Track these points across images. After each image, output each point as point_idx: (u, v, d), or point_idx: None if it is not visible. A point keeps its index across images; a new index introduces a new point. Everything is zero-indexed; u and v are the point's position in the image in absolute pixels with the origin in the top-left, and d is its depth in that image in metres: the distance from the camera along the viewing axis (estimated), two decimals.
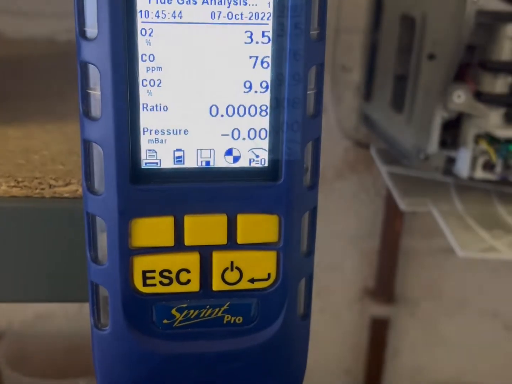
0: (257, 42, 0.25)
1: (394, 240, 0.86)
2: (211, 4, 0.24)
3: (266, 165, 0.26)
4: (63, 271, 0.32)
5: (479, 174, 0.61)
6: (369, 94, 0.76)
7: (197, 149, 0.26)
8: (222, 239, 0.27)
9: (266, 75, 0.25)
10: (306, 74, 0.25)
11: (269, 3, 0.25)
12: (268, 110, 0.26)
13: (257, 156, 0.26)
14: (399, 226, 0.85)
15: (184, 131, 0.26)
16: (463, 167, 0.61)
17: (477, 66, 0.57)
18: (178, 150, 0.26)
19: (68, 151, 0.35)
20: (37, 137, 0.37)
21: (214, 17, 0.24)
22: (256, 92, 0.26)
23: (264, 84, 0.26)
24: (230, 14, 0.25)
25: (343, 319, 0.92)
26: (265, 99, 0.26)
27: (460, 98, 0.57)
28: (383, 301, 0.90)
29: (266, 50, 0.25)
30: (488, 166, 0.60)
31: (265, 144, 0.26)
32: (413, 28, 0.62)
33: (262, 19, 0.25)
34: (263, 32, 0.25)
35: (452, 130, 0.61)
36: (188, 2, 0.24)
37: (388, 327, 0.92)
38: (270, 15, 0.25)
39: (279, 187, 0.26)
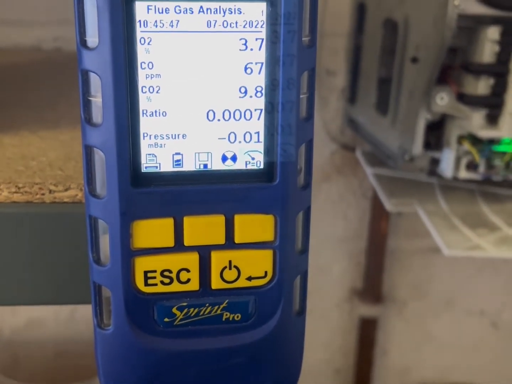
0: (251, 49, 0.26)
1: (381, 241, 0.87)
2: (207, 13, 0.25)
3: (262, 167, 0.27)
4: (64, 274, 0.33)
5: (463, 174, 0.62)
6: (354, 97, 0.77)
7: (195, 153, 0.27)
8: (220, 239, 0.28)
9: (260, 80, 0.26)
10: (299, 79, 0.26)
11: (262, 11, 0.26)
12: (262, 114, 0.27)
13: (253, 159, 0.27)
14: (385, 227, 0.86)
15: (183, 136, 0.27)
16: (447, 167, 0.62)
17: (459, 69, 0.58)
18: (177, 154, 0.27)
19: (65, 157, 0.36)
20: (33, 144, 0.38)
21: (210, 26, 0.25)
22: (251, 97, 0.27)
23: (258, 89, 0.27)
24: (225, 23, 0.26)
25: (332, 320, 0.93)
26: (259, 103, 0.27)
27: (443, 100, 0.58)
28: (371, 301, 0.91)
29: (260, 56, 0.26)
30: (472, 166, 0.61)
31: (260, 146, 0.27)
32: (396, 32, 0.63)
33: (256, 27, 0.26)
34: (257, 40, 0.26)
35: (436, 132, 0.62)
36: (185, 12, 0.25)
37: (377, 327, 0.93)
38: (263, 23, 0.26)
39: (275, 188, 0.27)
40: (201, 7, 0.25)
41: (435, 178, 0.68)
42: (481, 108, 0.57)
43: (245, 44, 0.26)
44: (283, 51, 0.26)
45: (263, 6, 0.26)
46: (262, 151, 0.27)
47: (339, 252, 0.89)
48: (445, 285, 0.93)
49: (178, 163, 0.27)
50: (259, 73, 0.26)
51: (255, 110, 0.27)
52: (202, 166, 0.27)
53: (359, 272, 0.91)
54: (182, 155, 0.27)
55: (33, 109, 0.47)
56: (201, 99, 0.26)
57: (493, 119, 0.57)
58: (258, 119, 0.27)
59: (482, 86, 0.56)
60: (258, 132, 0.27)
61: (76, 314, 0.86)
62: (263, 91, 0.27)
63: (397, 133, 0.63)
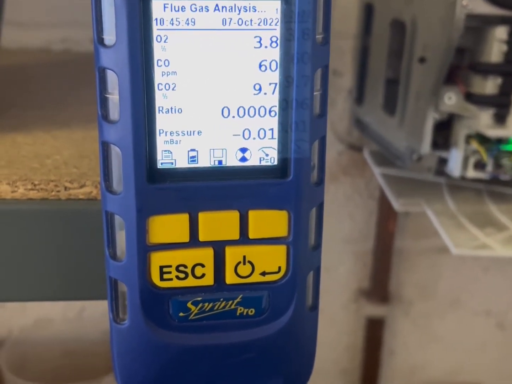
0: (266, 47, 0.26)
1: (388, 241, 0.87)
2: (222, 11, 0.26)
3: (276, 163, 0.28)
4: (79, 269, 0.33)
5: (471, 173, 0.62)
6: (361, 98, 0.77)
7: (210, 149, 0.27)
8: (235, 235, 0.28)
9: (274, 77, 0.27)
10: (313, 76, 0.27)
11: (277, 9, 0.26)
12: (277, 111, 0.27)
13: (267, 155, 0.28)
14: (392, 227, 0.86)
15: (198, 132, 0.27)
16: (455, 167, 0.62)
17: (467, 68, 0.59)
18: (192, 150, 0.27)
19: (79, 155, 0.36)
20: (47, 143, 0.39)
21: (225, 24, 0.26)
22: (265, 94, 0.27)
23: (273, 86, 0.27)
24: (240, 21, 0.26)
25: (339, 320, 0.93)
26: (274, 100, 0.27)
27: (451, 99, 0.59)
28: (378, 301, 0.91)
29: (274, 54, 0.27)
30: (479, 165, 0.62)
31: (274, 143, 0.28)
32: (404, 32, 0.63)
33: (270, 24, 0.26)
34: (271, 37, 0.26)
35: (444, 131, 0.62)
36: (200, 10, 0.25)
37: (383, 327, 0.93)
38: (278, 21, 0.26)
39: (288, 184, 0.28)
40: (217, 5, 0.26)
41: (443, 178, 0.68)
42: (489, 107, 0.57)
43: (259, 41, 0.26)
44: (297, 48, 0.26)
45: (277, 4, 0.26)
46: (276, 148, 0.28)
47: (345, 252, 0.90)
48: (452, 285, 0.93)
49: (193, 159, 0.27)
50: (274, 70, 0.27)
51: (269, 107, 0.27)
52: (217, 162, 0.27)
53: (366, 272, 0.91)
54: (197, 151, 0.27)
55: (44, 109, 0.47)
56: (216, 96, 0.27)
57: (501, 118, 0.57)
58: (272, 116, 0.27)
59: (490, 86, 0.56)
60: (272, 129, 0.27)
61: (84, 314, 0.86)
62: (277, 88, 0.27)
63: (405, 133, 0.63)
